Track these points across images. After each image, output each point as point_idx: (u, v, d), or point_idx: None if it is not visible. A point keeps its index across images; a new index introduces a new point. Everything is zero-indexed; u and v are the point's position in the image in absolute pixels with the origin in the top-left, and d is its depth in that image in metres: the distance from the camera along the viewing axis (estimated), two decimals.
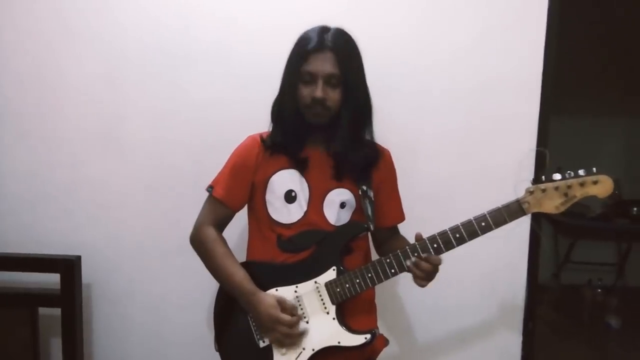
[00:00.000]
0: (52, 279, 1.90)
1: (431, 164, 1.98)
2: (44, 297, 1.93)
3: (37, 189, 2.02)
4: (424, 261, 1.39)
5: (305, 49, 1.44)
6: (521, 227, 1.95)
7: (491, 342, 2.04)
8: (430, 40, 1.94)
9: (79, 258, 1.92)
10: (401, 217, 1.66)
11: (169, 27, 1.95)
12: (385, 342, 1.59)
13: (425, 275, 1.40)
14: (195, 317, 2.03)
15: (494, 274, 2.01)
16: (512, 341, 2.03)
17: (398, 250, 1.42)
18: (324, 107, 1.43)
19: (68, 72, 1.98)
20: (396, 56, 1.91)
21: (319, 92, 1.41)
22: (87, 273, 1.97)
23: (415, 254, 1.40)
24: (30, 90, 1.99)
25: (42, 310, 1.96)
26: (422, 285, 1.42)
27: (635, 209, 4.12)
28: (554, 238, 4.42)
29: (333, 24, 1.49)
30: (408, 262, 1.40)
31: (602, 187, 1.33)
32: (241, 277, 1.47)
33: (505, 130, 1.97)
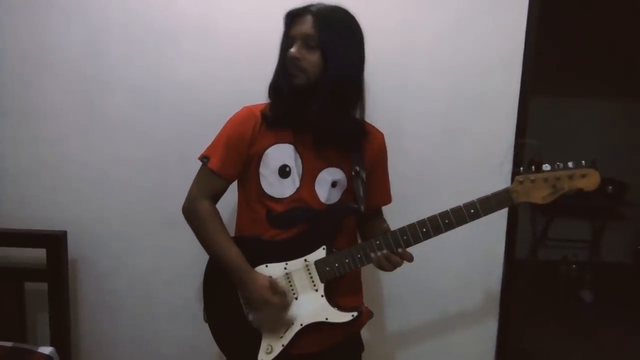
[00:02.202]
0: (38, 255, 1.90)
1: (414, 143, 2.00)
2: (30, 272, 1.94)
3: (21, 164, 2.00)
4: (396, 255, 1.43)
5: (288, 14, 1.47)
6: None
7: (469, 314, 2.11)
8: (413, 20, 1.95)
9: (64, 233, 1.93)
10: (388, 200, 1.68)
11: (153, 2, 1.92)
12: (370, 314, 1.64)
13: (392, 268, 1.45)
14: (181, 292, 2.05)
15: (473, 249, 2.06)
16: (489, 314, 2.10)
17: (388, 233, 1.44)
18: (298, 67, 1.42)
19: (51, 47, 1.95)
20: (379, 36, 1.90)
21: (292, 50, 1.42)
22: (73, 249, 1.98)
23: (404, 237, 1.43)
24: (12, 64, 1.96)
25: (29, 286, 1.96)
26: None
27: (610, 187, 4.22)
28: (532, 216, 4.51)
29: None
30: (373, 255, 1.44)
31: (589, 180, 1.37)
32: (235, 253, 1.47)
33: (486, 109, 2.00)
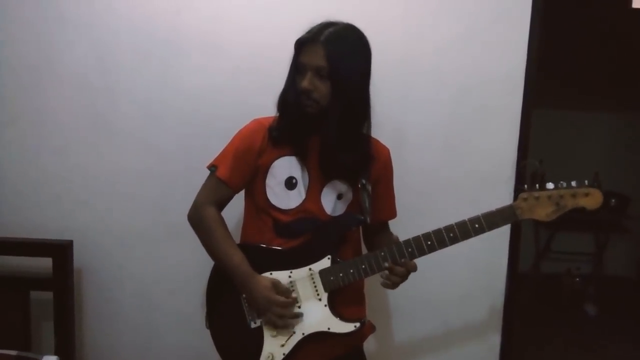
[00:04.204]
0: (43, 264, 1.91)
1: (416, 155, 2.01)
2: (36, 281, 1.94)
3: (27, 174, 2.02)
4: (399, 265, 1.45)
5: (299, 41, 1.47)
6: None
7: (473, 327, 2.11)
8: (416, 33, 1.97)
9: (71, 242, 1.94)
10: (393, 214, 1.70)
11: (160, 15, 1.95)
12: (373, 328, 1.64)
13: (398, 279, 1.46)
14: (185, 301, 2.06)
15: (476, 262, 2.06)
16: (492, 327, 2.10)
17: (393, 245, 1.46)
18: (310, 98, 1.44)
19: (59, 59, 1.97)
20: (382, 49, 1.91)
21: (304, 83, 1.43)
22: (77, 259, 1.98)
23: (409, 249, 1.44)
24: (20, 76, 1.98)
25: (34, 295, 1.96)
26: (392, 287, 1.48)
27: (613, 200, 4.21)
28: (535, 229, 4.51)
29: (321, 16, 1.49)
30: (385, 264, 1.45)
31: (592, 199, 1.41)
32: (239, 259, 1.49)
33: (488, 122, 2.01)
